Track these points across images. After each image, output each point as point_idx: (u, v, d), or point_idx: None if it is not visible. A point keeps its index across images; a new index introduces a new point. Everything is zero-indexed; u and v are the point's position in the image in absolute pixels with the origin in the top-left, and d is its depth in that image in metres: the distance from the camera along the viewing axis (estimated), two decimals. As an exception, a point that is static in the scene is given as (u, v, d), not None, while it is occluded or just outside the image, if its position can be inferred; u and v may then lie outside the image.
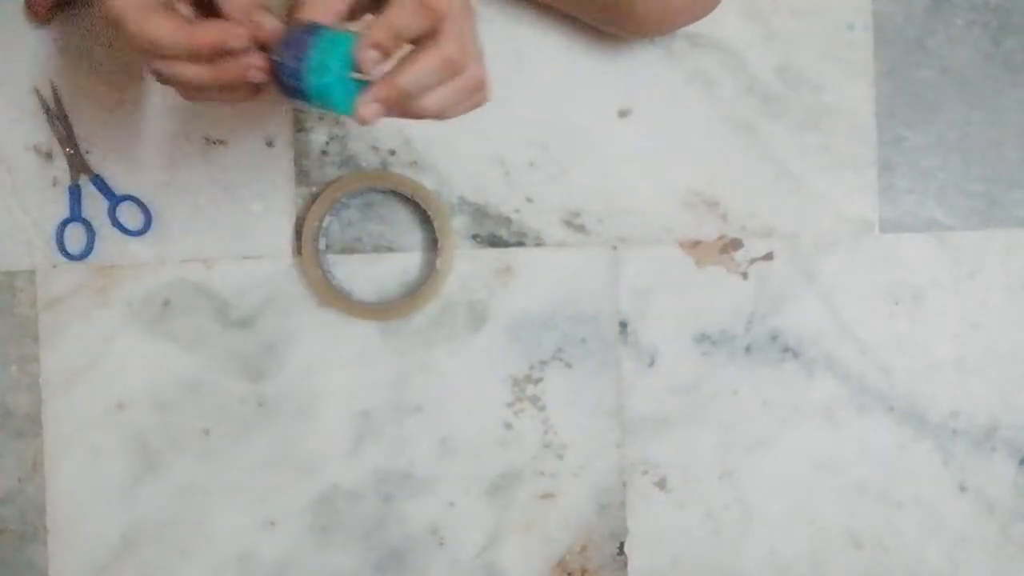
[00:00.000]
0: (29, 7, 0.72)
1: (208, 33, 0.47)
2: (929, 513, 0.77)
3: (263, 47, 0.48)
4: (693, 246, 0.77)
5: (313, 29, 0.46)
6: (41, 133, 0.75)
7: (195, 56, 0.47)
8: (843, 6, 0.76)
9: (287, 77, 0.47)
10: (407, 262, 0.76)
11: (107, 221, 0.74)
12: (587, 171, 0.76)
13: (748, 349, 0.77)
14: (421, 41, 0.49)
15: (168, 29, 0.47)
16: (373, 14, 0.49)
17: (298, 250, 0.74)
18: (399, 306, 0.74)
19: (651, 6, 0.65)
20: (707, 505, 0.77)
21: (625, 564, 0.77)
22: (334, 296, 0.74)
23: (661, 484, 0.77)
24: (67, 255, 0.74)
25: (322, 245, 0.74)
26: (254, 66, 0.48)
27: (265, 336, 0.75)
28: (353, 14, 0.50)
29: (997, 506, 0.77)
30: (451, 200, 0.76)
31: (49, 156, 0.75)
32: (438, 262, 0.73)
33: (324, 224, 0.74)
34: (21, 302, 0.75)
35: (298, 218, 0.75)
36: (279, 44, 0.47)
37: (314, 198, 0.74)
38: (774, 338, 0.77)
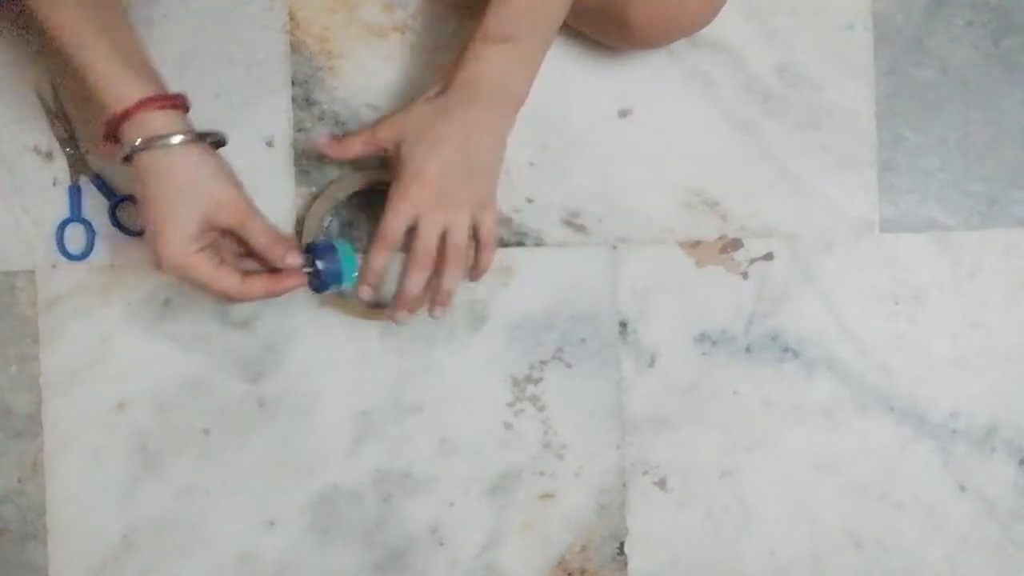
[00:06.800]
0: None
1: (261, 288, 0.63)
2: (929, 513, 0.77)
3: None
4: (693, 246, 0.77)
5: (331, 247, 0.67)
6: (41, 133, 0.75)
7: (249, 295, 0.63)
8: (843, 6, 0.76)
9: (323, 280, 0.66)
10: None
11: (107, 221, 0.74)
12: (587, 171, 0.76)
13: (748, 349, 0.77)
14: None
15: (233, 285, 0.62)
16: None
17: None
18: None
19: (648, 20, 0.66)
20: (707, 505, 0.77)
21: (625, 564, 0.77)
22: (335, 296, 0.73)
23: (661, 484, 0.77)
24: (67, 255, 0.74)
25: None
26: (294, 287, 0.65)
27: (265, 336, 0.75)
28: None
29: (997, 506, 0.77)
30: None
31: (49, 156, 0.75)
32: None
33: (325, 224, 0.74)
34: (21, 302, 0.75)
35: (298, 218, 0.75)
36: (309, 259, 0.66)
37: (314, 197, 0.74)
38: (774, 338, 0.77)
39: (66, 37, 0.58)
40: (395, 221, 0.64)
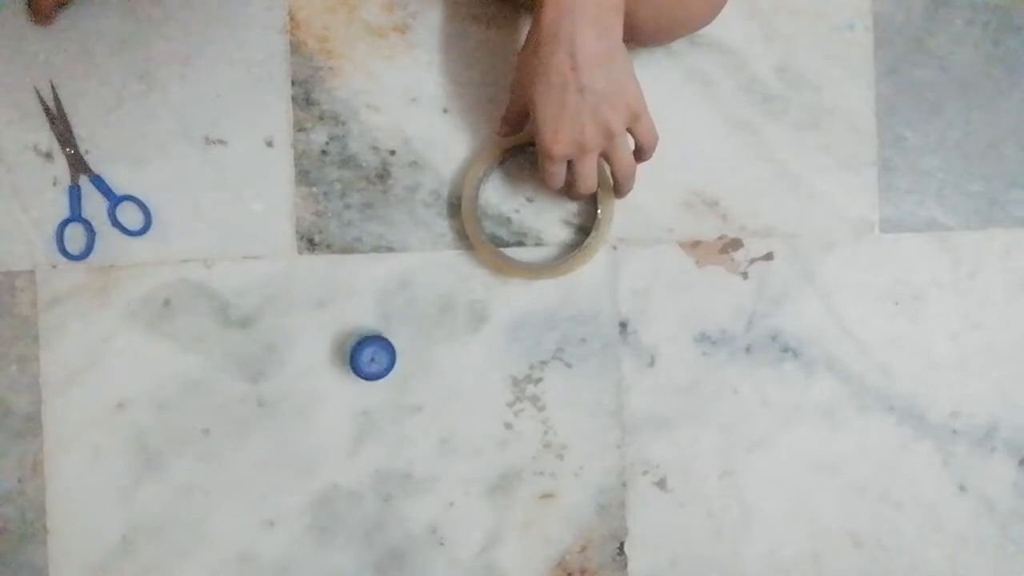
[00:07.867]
0: (34, 6, 0.72)
1: None
2: (929, 513, 0.77)
3: None
4: (693, 246, 0.77)
5: (387, 342, 0.73)
6: (41, 133, 0.75)
7: None
8: (843, 6, 0.76)
9: (373, 372, 0.72)
10: (407, 262, 0.76)
11: (107, 221, 0.74)
12: (587, 171, 0.76)
13: (748, 349, 0.77)
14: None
15: None
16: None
17: (300, 249, 0.74)
18: (554, 266, 0.74)
19: (650, 18, 0.66)
20: (707, 505, 0.77)
21: (625, 564, 0.77)
22: (488, 252, 0.74)
23: (661, 484, 0.77)
24: (67, 255, 0.74)
25: (481, 199, 0.75)
26: None
27: (265, 336, 0.75)
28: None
29: (997, 506, 0.77)
30: (451, 200, 0.76)
31: (49, 156, 0.75)
32: (599, 211, 0.73)
33: (482, 181, 0.74)
34: (21, 302, 0.75)
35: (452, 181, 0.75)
36: (369, 352, 0.72)
37: (471, 160, 0.74)
38: (774, 338, 0.77)
39: None
40: (551, 179, 0.65)
